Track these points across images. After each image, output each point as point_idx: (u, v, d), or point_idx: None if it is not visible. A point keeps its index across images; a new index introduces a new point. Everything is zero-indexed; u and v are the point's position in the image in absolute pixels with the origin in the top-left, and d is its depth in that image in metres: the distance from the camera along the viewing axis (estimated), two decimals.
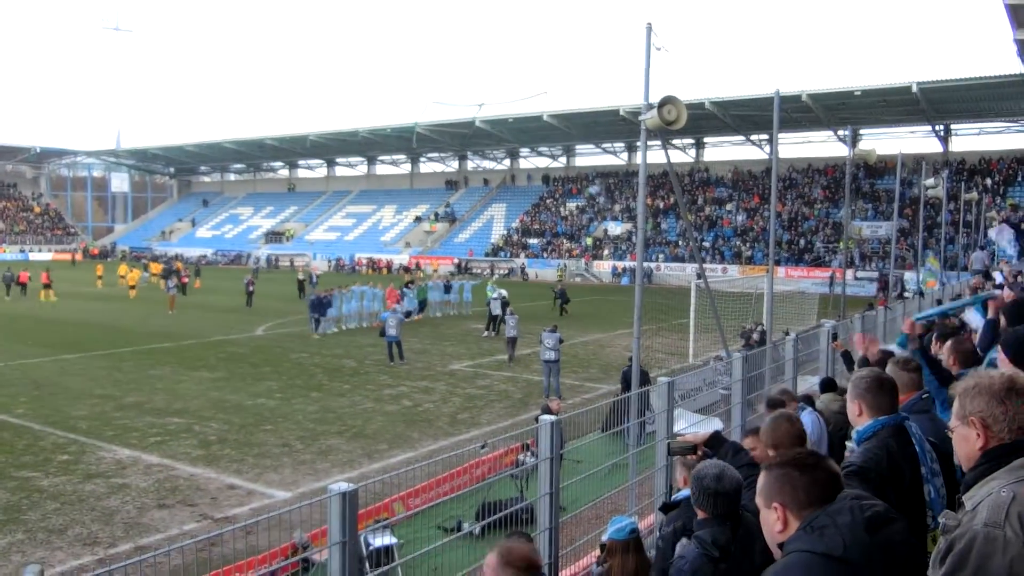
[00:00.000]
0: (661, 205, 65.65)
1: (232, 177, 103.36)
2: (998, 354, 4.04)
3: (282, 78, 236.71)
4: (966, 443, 2.35)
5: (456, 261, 67.26)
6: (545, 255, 66.18)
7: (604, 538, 4.57)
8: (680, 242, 60.72)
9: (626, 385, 14.30)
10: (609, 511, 7.39)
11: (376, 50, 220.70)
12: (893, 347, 7.69)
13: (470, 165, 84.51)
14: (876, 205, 56.94)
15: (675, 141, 64.37)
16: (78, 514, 11.10)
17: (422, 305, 35.01)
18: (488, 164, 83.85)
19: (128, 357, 23.67)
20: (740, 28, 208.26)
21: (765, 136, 60.19)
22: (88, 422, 16.04)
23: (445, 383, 20.55)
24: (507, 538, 3.96)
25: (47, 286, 41.08)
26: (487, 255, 68.67)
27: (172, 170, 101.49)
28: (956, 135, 60.74)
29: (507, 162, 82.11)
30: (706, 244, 59.36)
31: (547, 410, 11.14)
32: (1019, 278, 17.19)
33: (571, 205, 72.06)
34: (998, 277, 16.74)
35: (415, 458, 13.82)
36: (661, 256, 59.95)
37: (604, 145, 73.33)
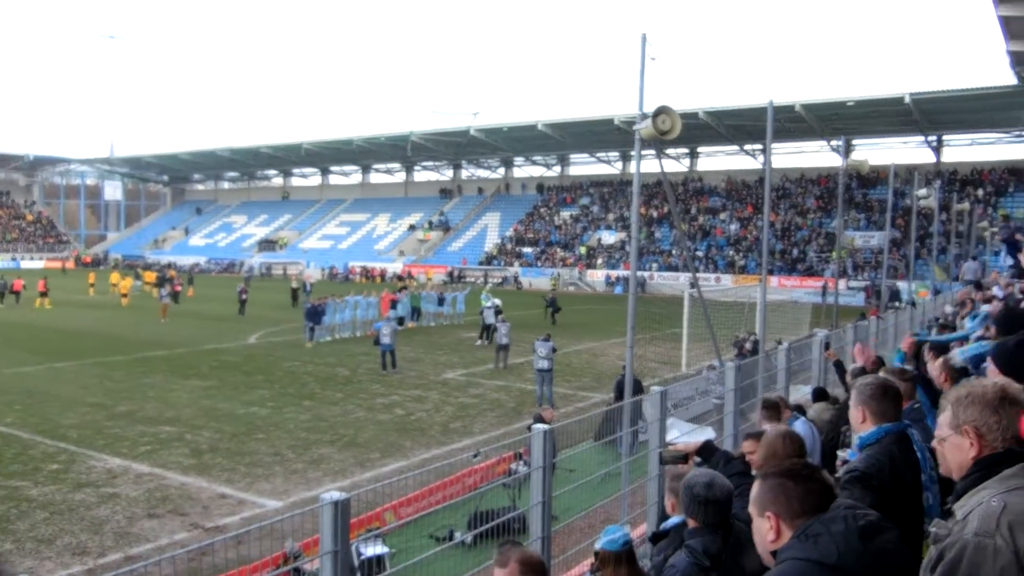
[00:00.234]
0: (655, 214, 65.80)
1: (226, 185, 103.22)
2: (988, 365, 4.06)
3: (277, 87, 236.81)
4: (959, 452, 2.35)
5: (450, 270, 67.25)
6: (539, 264, 66.24)
7: (597, 546, 4.56)
8: (674, 251, 60.82)
9: (620, 394, 14.30)
10: (602, 520, 7.38)
11: (371, 59, 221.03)
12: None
13: (464, 174, 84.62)
14: (869, 215, 57.16)
15: (669, 151, 64.54)
16: (67, 524, 11.02)
17: (416, 312, 35.00)
18: (482, 173, 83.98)
19: (120, 365, 23.58)
20: (734, 39, 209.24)
21: (759, 146, 60.44)
22: (79, 431, 15.95)
23: (438, 392, 20.52)
24: (500, 547, 3.94)
25: (43, 294, 40.93)
26: (481, 264, 68.69)
27: (166, 178, 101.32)
28: (948, 146, 61.11)
29: (501, 171, 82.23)
30: (699, 253, 59.47)
31: (540, 419, 11.12)
32: (1011, 288, 17.26)
33: (565, 214, 72.17)
34: (996, 291, 16.77)
35: (407, 467, 13.79)
36: (655, 265, 60.04)
37: (598, 154, 73.53)
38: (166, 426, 16.41)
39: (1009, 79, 38.50)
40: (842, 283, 42.07)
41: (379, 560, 7.97)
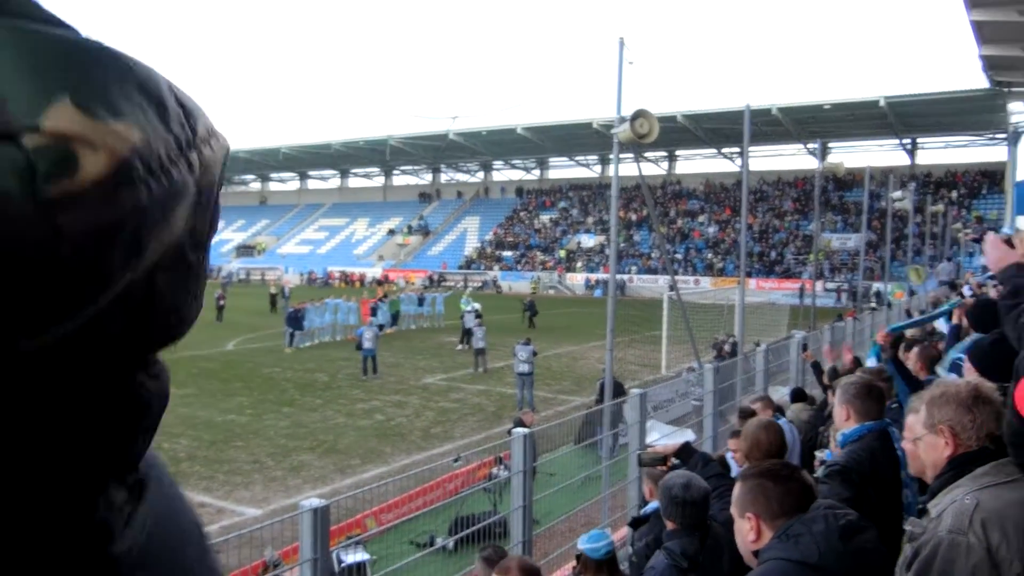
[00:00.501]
0: (634, 218, 66.05)
1: None
2: (964, 363, 4.11)
3: (254, 91, 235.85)
4: (934, 451, 2.38)
5: (429, 274, 67.13)
6: (519, 267, 66.26)
7: (580, 547, 4.56)
8: (653, 254, 61.09)
9: (603, 397, 14.34)
10: (583, 524, 7.38)
11: (350, 64, 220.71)
12: (872, 361, 7.83)
13: (443, 178, 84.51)
14: (845, 217, 57.71)
15: (648, 154, 64.87)
16: None
17: (395, 318, 34.88)
18: (462, 177, 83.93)
19: None
20: (712, 43, 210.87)
21: (736, 149, 60.84)
22: None
23: (418, 397, 20.45)
24: (482, 551, 3.93)
25: None
26: (461, 268, 68.61)
27: None
28: (923, 148, 61.87)
29: (481, 175, 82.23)
30: (678, 256, 59.77)
31: (520, 423, 11.11)
32: (983, 289, 17.47)
33: (544, 217, 72.27)
34: (966, 291, 16.96)
35: (388, 473, 13.72)
36: (634, 268, 60.25)
37: (577, 158, 73.71)
38: None
39: (982, 83, 39.08)
40: (819, 285, 42.45)
41: (360, 567, 7.92)
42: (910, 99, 48.76)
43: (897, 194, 29.98)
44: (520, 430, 5.61)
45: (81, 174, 0.37)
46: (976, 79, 43.59)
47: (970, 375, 3.87)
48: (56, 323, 0.38)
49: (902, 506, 3.49)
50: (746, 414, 6.68)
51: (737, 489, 2.57)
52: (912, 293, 28.85)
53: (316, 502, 3.96)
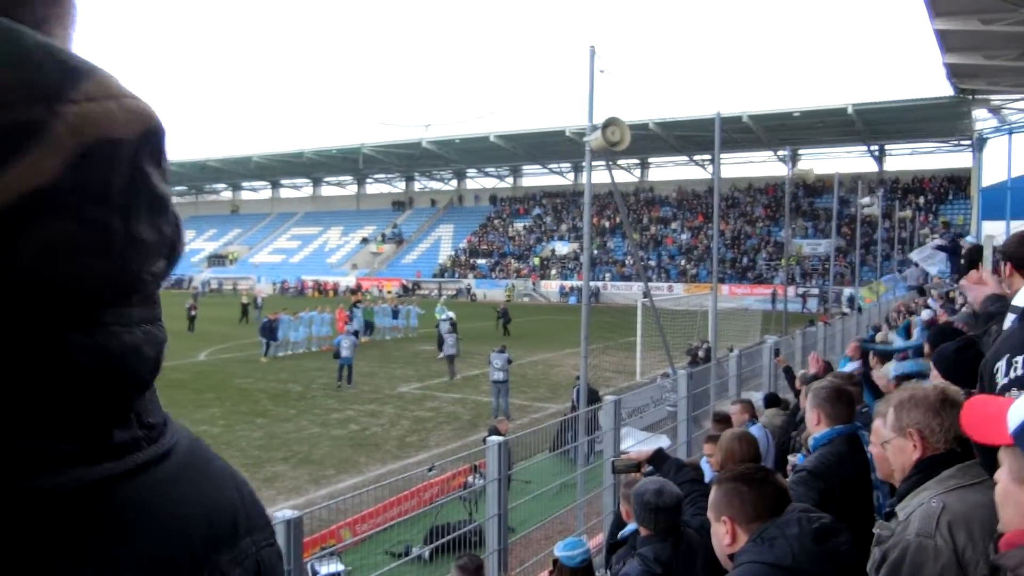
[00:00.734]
0: (607, 224, 66.34)
1: (173, 200, 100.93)
2: (930, 369, 4.20)
3: (225, 99, 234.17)
4: (902, 454, 2.41)
5: (404, 282, 66.92)
6: (493, 275, 66.26)
7: (556, 553, 4.56)
8: (626, 261, 61.37)
9: (578, 403, 14.35)
10: (559, 531, 7.39)
11: (322, 71, 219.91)
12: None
13: (417, 186, 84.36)
14: (815, 223, 58.37)
15: (620, 161, 65.21)
16: None
17: (369, 327, 34.68)
18: (435, 185, 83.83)
19: None
20: (683, 51, 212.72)
21: (707, 156, 61.38)
22: None
23: (393, 406, 20.36)
24: (458, 560, 3.92)
25: None
26: (435, 276, 68.49)
27: None
28: (890, 155, 62.78)
29: (454, 183, 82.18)
30: (651, 263, 60.11)
31: (496, 431, 11.10)
32: (949, 295, 17.76)
33: (518, 225, 72.38)
34: (931, 303, 17.15)
35: (363, 483, 13.62)
36: (608, 275, 60.48)
37: (550, 165, 73.92)
38: None
39: (946, 90, 39.75)
40: (791, 290, 42.88)
41: None
42: (877, 106, 49.46)
43: (866, 200, 30.42)
44: (495, 438, 5.61)
45: None
46: (941, 87, 44.43)
47: (936, 380, 3.95)
48: None
49: (873, 507, 3.54)
50: (720, 418, 6.73)
51: (713, 493, 2.60)
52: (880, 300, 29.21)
53: (289, 513, 3.94)
